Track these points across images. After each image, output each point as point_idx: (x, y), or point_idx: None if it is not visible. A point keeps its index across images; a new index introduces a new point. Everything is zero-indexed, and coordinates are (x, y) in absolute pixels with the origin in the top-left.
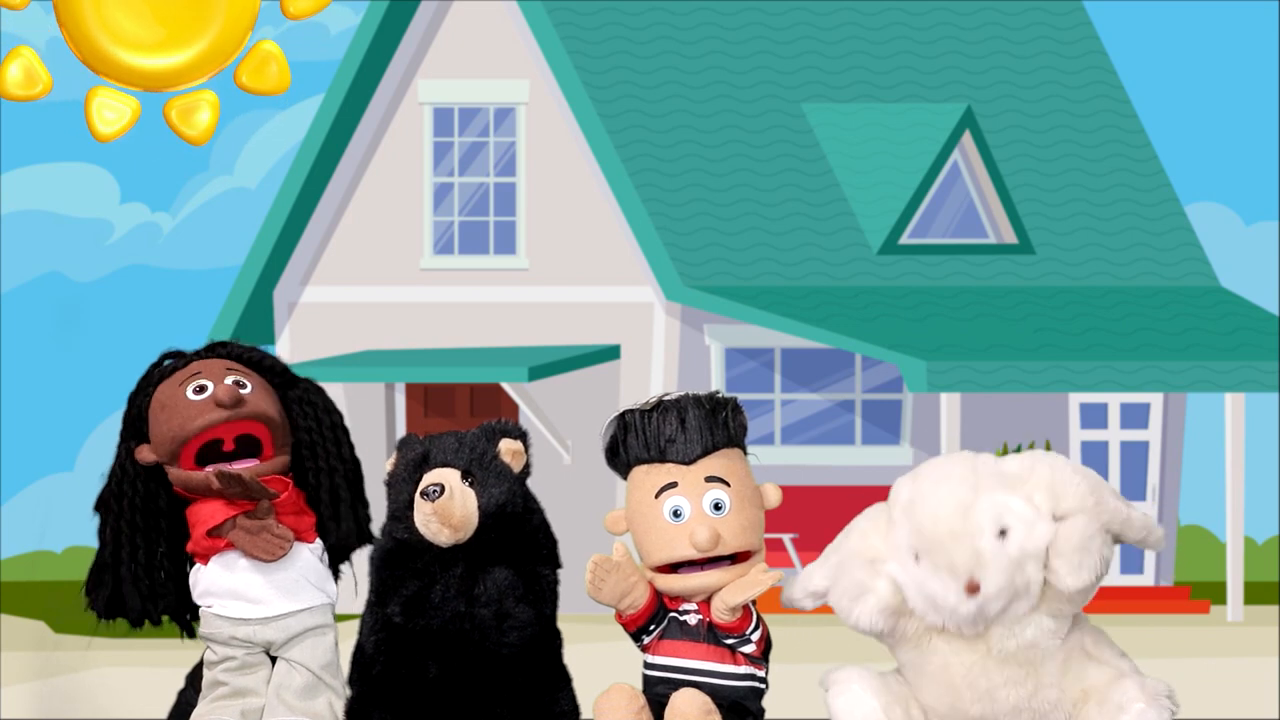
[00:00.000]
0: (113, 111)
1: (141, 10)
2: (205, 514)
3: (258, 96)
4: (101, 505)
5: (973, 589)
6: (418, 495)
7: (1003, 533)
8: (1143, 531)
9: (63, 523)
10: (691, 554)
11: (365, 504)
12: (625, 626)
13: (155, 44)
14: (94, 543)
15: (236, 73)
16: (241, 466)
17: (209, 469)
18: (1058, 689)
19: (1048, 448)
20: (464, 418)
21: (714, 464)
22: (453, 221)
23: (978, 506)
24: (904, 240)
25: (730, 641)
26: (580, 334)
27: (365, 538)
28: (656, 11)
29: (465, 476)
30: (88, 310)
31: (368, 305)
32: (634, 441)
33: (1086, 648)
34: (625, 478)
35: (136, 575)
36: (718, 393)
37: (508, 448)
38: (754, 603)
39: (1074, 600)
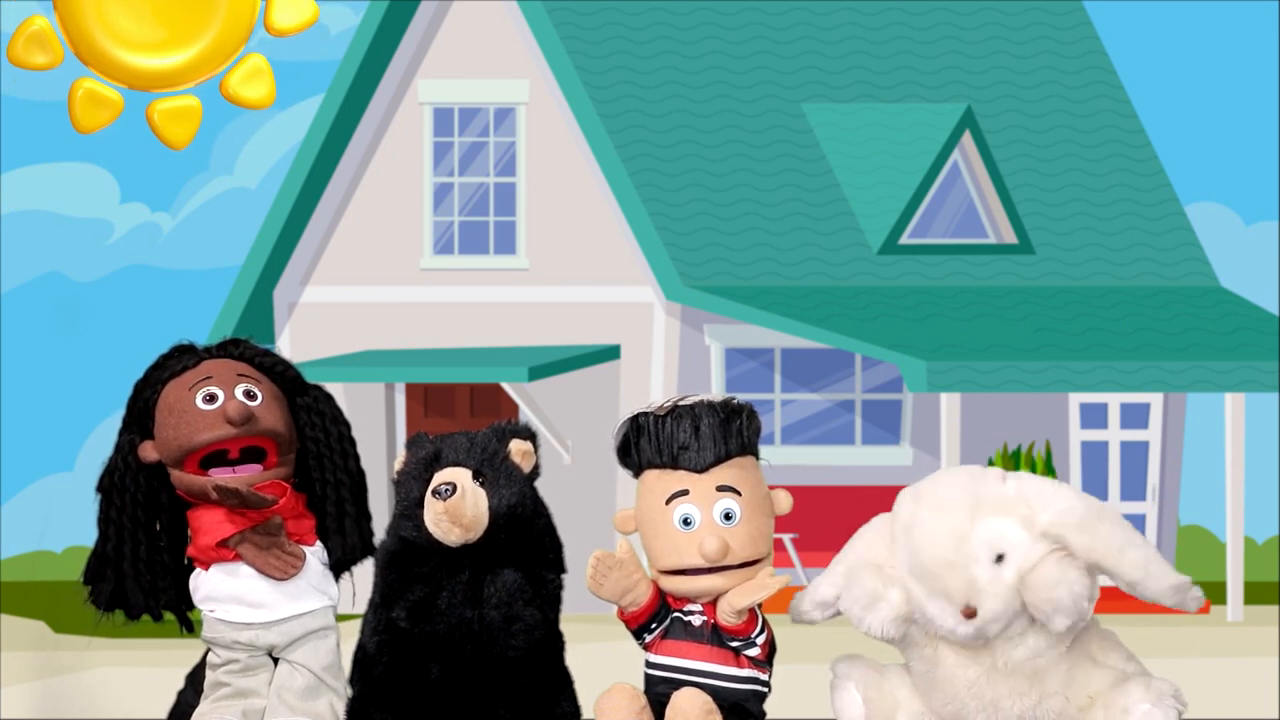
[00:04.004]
0: (96, 103)
1: (141, 10)
2: (207, 522)
3: (258, 86)
4: (103, 495)
5: (969, 614)
6: (429, 494)
7: (1000, 558)
8: (1139, 572)
9: (63, 523)
10: (700, 563)
11: (369, 517)
12: (626, 623)
13: (155, 44)
14: (93, 543)
15: (224, 82)
16: (243, 473)
17: (210, 473)
18: (1062, 698)
19: (1047, 448)
20: (464, 418)
21: (726, 473)
22: (453, 221)
23: (973, 535)
24: (904, 240)
25: (735, 644)
26: (580, 334)
27: (369, 550)
28: (656, 11)
29: (476, 476)
30: (88, 310)
31: (368, 305)
32: (647, 445)
33: (1092, 653)
34: (636, 477)
35: (138, 571)
36: (732, 399)
37: (518, 448)
38: (760, 606)
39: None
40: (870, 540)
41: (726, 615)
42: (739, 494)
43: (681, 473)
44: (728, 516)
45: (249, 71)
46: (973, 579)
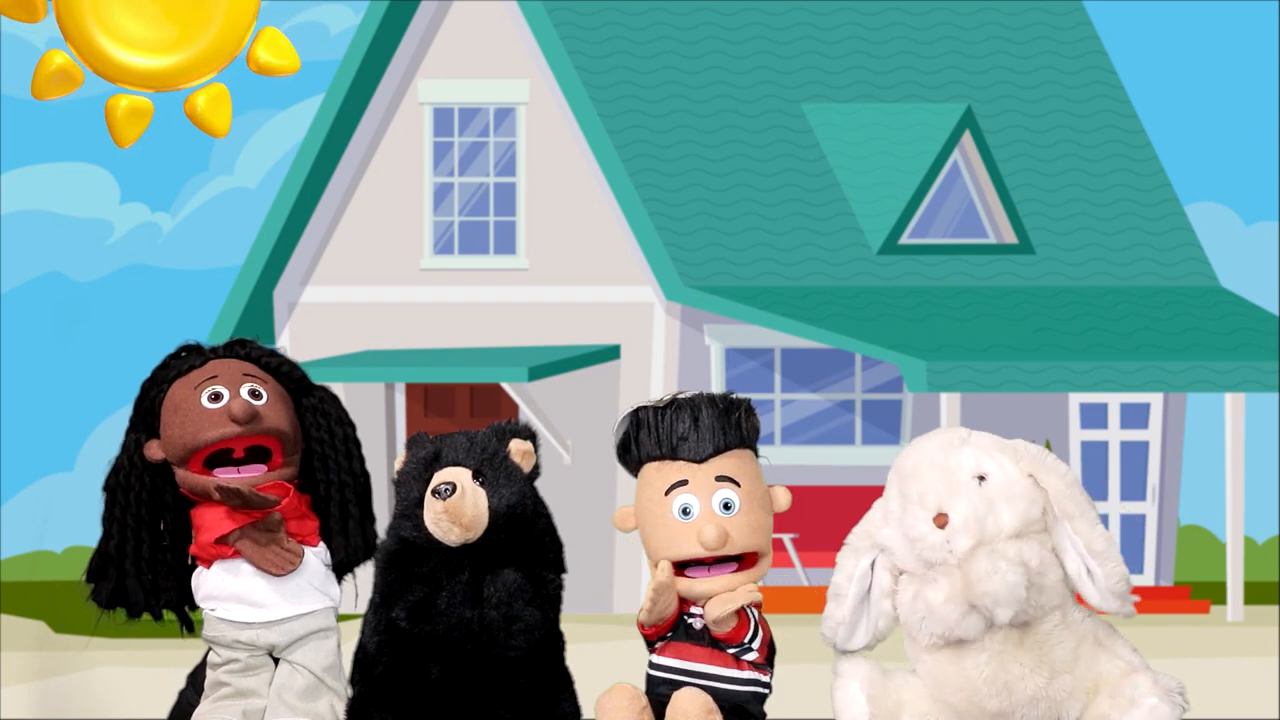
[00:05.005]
0: (63, 79)
1: (141, 10)
2: (210, 520)
3: (221, 112)
4: (108, 493)
5: (941, 521)
6: (429, 493)
7: (981, 479)
8: (1105, 544)
9: (63, 523)
10: (699, 552)
11: (372, 518)
12: (648, 636)
13: (155, 44)
14: (94, 543)
15: (190, 99)
16: (247, 474)
17: (215, 473)
18: (1071, 676)
19: (1047, 447)
20: (464, 418)
21: (725, 464)
22: (453, 221)
23: (962, 451)
24: (904, 240)
25: (731, 650)
26: (580, 334)
27: (371, 552)
28: (656, 11)
29: (476, 476)
30: (88, 310)
31: (368, 305)
32: (646, 438)
33: (1099, 638)
34: (635, 475)
35: (140, 570)
36: (731, 393)
37: (518, 448)
38: (757, 610)
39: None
40: (865, 527)
41: (710, 626)
42: (738, 485)
43: (681, 463)
44: (726, 506)
45: (213, 97)
46: (951, 483)
